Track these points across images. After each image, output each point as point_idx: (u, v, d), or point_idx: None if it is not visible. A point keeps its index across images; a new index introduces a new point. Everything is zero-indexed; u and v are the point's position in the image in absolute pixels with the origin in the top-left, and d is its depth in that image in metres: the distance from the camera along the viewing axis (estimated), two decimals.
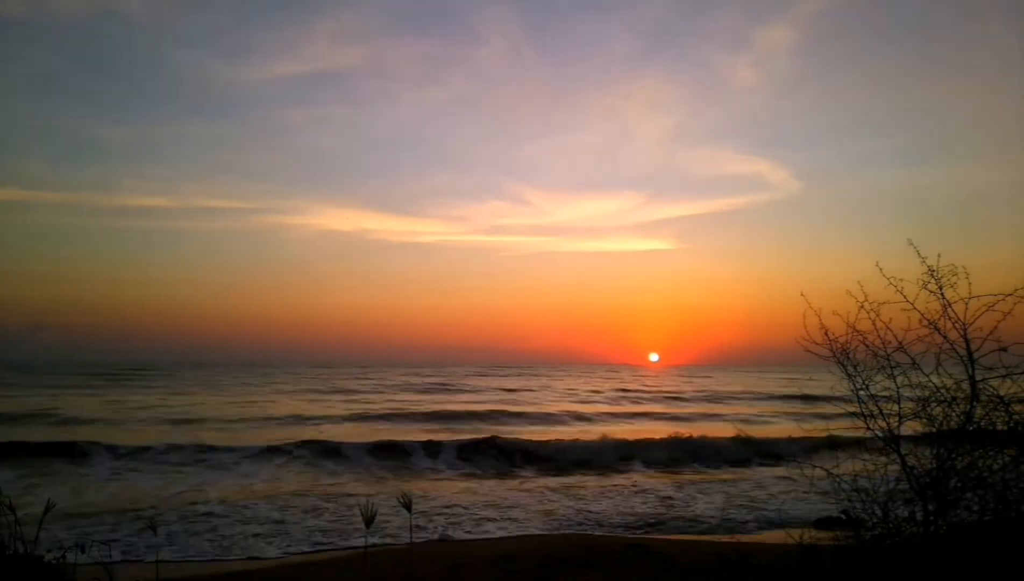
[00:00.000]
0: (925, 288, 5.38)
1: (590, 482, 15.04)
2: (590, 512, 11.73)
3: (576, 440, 20.49)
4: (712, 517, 11.15)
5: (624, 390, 48.24)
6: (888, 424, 5.59)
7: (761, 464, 17.40)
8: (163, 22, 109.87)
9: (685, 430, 22.00)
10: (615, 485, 14.59)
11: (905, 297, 5.45)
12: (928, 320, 5.39)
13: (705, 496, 13.17)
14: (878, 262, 5.55)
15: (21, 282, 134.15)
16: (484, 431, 22.06)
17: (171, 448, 17.34)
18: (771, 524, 10.41)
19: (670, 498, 12.99)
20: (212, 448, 17.51)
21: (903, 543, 5.22)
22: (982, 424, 5.26)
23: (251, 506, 11.75)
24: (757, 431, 23.20)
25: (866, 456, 5.66)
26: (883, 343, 5.63)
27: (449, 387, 49.00)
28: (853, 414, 5.73)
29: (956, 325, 5.30)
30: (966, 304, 5.25)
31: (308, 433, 21.26)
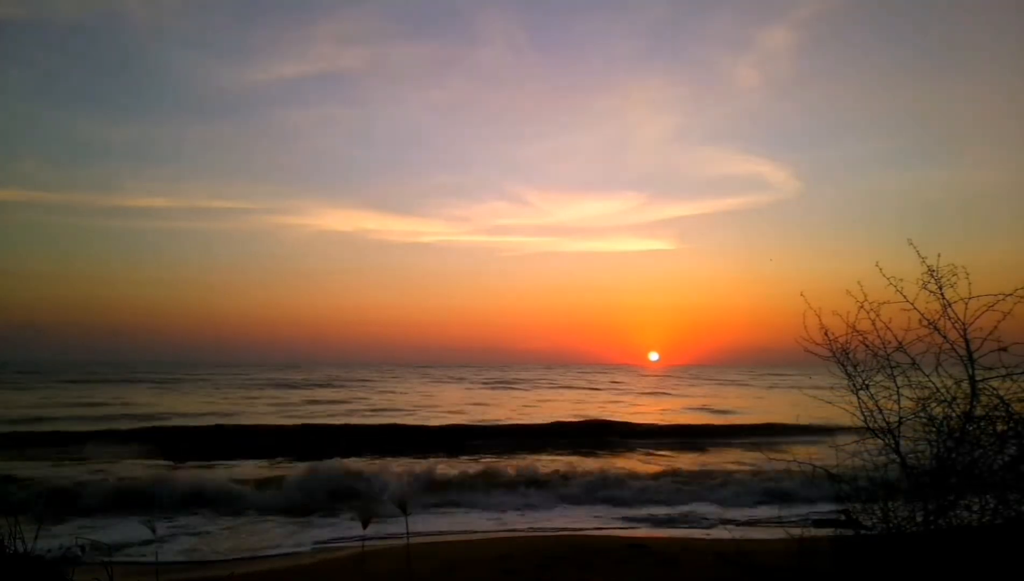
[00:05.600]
0: (925, 288, 5.36)
1: None
2: None
3: None
4: None
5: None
6: (888, 424, 5.58)
7: None
8: (164, 23, 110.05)
9: None
10: None
11: (905, 297, 5.44)
12: (928, 320, 5.37)
13: None
14: (878, 262, 5.53)
15: (21, 282, 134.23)
16: None
17: None
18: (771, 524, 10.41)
19: None
20: None
21: (903, 543, 5.22)
22: (982, 424, 5.25)
23: None
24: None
25: (866, 456, 5.65)
26: (883, 343, 5.62)
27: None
28: (858, 422, 5.71)
29: (956, 325, 5.29)
30: (966, 304, 5.24)
31: None
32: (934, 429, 5.39)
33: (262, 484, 13.28)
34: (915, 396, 5.52)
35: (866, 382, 5.68)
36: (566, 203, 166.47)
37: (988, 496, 5.08)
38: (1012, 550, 4.81)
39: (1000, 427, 5.18)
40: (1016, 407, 5.10)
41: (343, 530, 10.34)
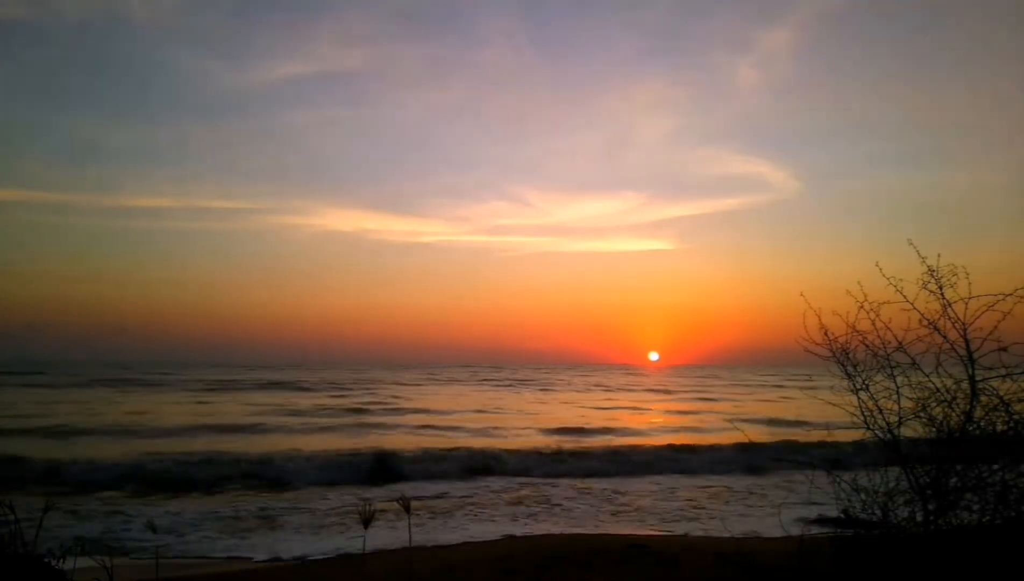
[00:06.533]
0: (925, 288, 5.36)
1: None
2: None
3: None
4: None
5: None
6: (888, 424, 5.58)
7: None
8: (165, 23, 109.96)
9: None
10: None
11: (905, 297, 5.43)
12: (928, 320, 5.37)
13: None
14: (878, 262, 5.52)
15: (21, 282, 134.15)
16: None
17: None
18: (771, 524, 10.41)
19: None
20: None
21: (903, 543, 5.22)
22: (982, 424, 5.25)
23: None
24: None
25: (866, 456, 5.66)
26: (883, 343, 5.62)
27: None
28: (858, 422, 5.71)
29: (956, 325, 5.29)
30: (966, 304, 5.24)
31: None
32: (934, 429, 5.39)
33: None
34: (915, 396, 5.51)
35: (866, 382, 5.68)
36: (566, 203, 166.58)
37: (988, 496, 5.08)
38: (1012, 550, 4.81)
39: (1000, 427, 5.18)
40: (1016, 407, 5.10)
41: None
